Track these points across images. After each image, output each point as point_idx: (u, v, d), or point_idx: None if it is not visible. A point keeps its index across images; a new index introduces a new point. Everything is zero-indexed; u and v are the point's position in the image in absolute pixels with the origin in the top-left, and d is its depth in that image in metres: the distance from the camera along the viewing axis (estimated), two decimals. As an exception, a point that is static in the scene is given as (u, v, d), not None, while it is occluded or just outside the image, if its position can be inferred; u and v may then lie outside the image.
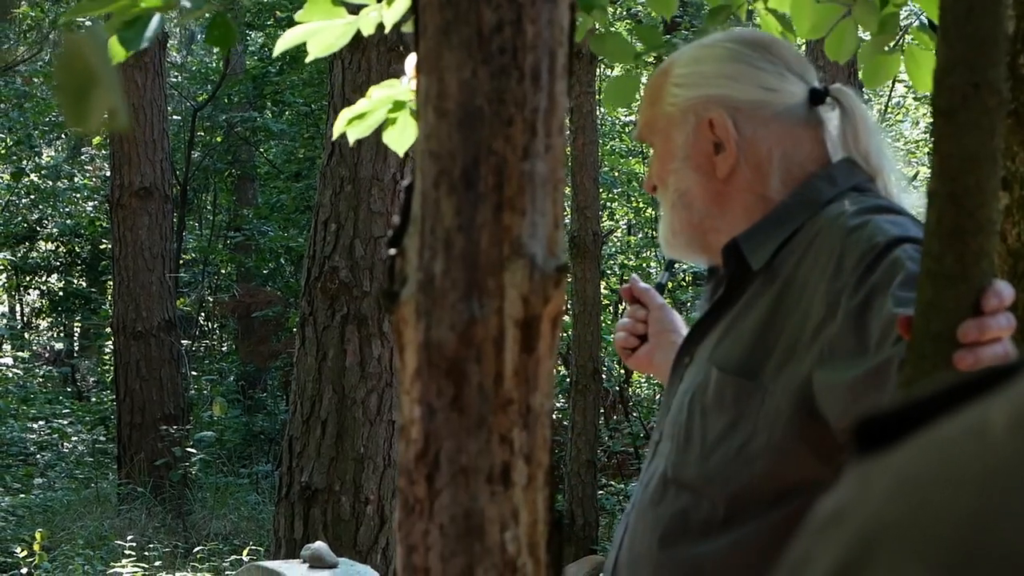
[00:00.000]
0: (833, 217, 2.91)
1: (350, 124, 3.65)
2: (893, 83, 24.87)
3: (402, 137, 3.73)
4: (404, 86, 3.65)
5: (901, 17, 4.19)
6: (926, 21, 4.26)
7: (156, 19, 2.66)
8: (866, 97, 22.37)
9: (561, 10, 2.03)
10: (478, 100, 1.98)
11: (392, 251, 2.05)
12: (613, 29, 4.24)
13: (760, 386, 2.92)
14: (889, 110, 25.67)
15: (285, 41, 3.59)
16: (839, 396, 2.71)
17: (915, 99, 25.66)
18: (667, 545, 3.03)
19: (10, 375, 22.56)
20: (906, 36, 4.28)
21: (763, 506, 2.89)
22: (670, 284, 23.59)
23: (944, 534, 0.68)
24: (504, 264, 1.97)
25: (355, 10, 3.54)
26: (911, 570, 0.68)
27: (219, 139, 24.85)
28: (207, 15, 3.45)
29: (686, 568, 3.00)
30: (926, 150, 25.06)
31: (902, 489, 0.74)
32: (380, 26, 3.71)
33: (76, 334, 29.70)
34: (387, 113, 3.66)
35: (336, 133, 3.74)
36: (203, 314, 27.17)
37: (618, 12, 20.57)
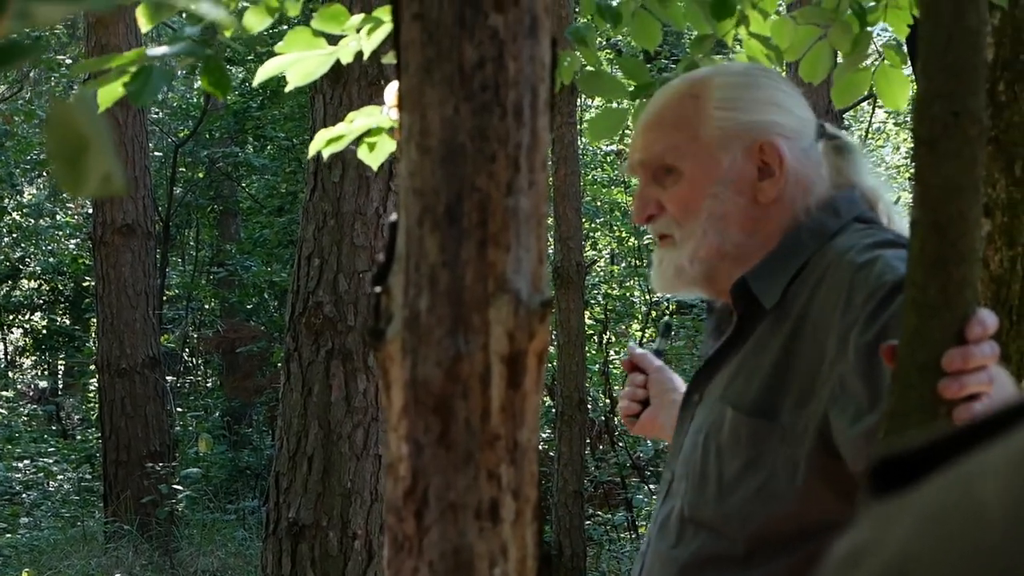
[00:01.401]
0: (842, 252, 2.91)
1: (328, 145, 3.66)
2: (873, 109, 24.89)
3: (378, 155, 3.74)
4: (384, 113, 3.66)
5: (871, 36, 4.26)
6: (895, 41, 4.31)
7: (157, 73, 2.66)
8: (847, 123, 22.42)
9: (542, 47, 2.03)
10: (461, 137, 1.98)
11: (377, 288, 2.05)
12: (603, 67, 4.26)
13: (778, 427, 2.91)
14: (870, 135, 25.68)
15: (265, 71, 3.60)
16: (855, 444, 2.71)
17: (895, 124, 25.70)
18: None
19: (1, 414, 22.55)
20: (877, 57, 4.33)
21: (785, 544, 2.89)
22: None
23: (971, 570, 0.68)
24: (489, 300, 1.98)
25: (334, 41, 3.56)
26: None
27: (201, 175, 24.84)
28: (196, 60, 3.47)
29: None
30: (907, 175, 25.08)
31: (926, 526, 0.73)
32: (359, 58, 3.73)
33: (60, 372, 29.65)
34: (364, 136, 3.67)
35: (312, 152, 3.74)
36: (187, 350, 27.11)
37: (599, 42, 20.57)
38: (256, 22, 3.74)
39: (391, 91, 3.60)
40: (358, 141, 3.74)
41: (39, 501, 21.26)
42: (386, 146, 3.71)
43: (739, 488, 2.96)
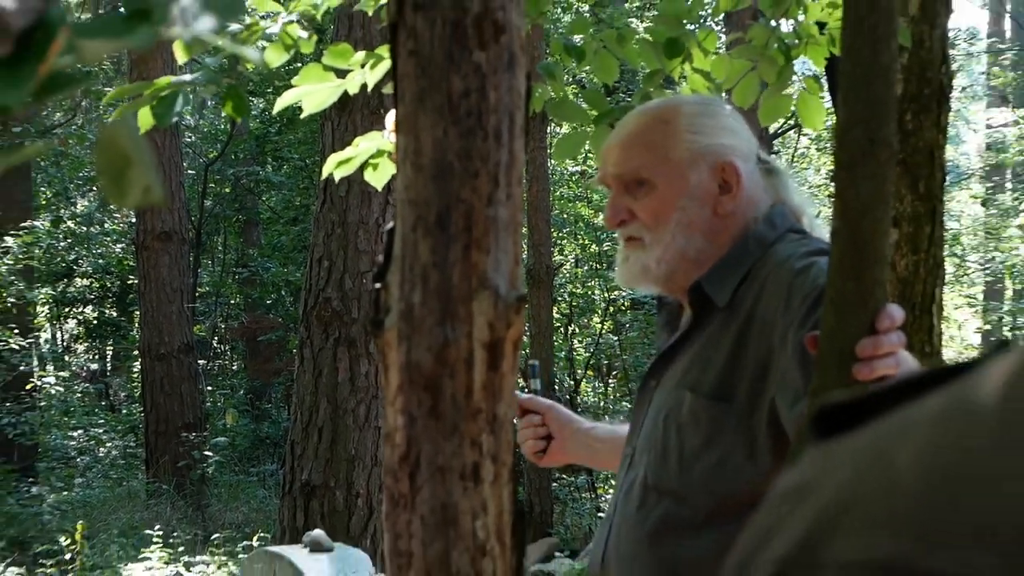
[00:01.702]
0: (782, 259, 2.91)
1: (339, 167, 3.65)
2: (798, 136, 24.97)
3: (381, 176, 3.73)
4: (385, 138, 3.65)
5: (794, 68, 4.30)
6: (813, 73, 4.34)
7: (180, 98, 2.66)
8: (776, 149, 22.45)
9: (519, 79, 2.03)
10: (449, 156, 1.98)
11: (377, 285, 2.05)
12: (569, 97, 4.27)
13: (735, 409, 2.91)
14: (795, 159, 25.73)
15: (284, 100, 3.60)
16: (794, 423, 2.73)
17: (817, 150, 25.76)
18: (655, 543, 3.02)
19: (53, 392, 22.45)
20: (798, 84, 4.37)
21: (739, 511, 2.89)
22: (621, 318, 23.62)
23: (908, 505, 0.68)
24: (473, 295, 1.98)
25: (342, 75, 3.56)
26: (877, 537, 0.68)
27: (227, 190, 24.80)
28: (218, 88, 3.47)
29: (672, 563, 2.99)
30: (827, 193, 25.13)
31: (867, 465, 0.74)
32: (364, 90, 3.73)
33: (108, 356, 29.60)
34: (369, 159, 3.66)
35: (325, 173, 3.73)
36: (216, 338, 27.08)
37: (566, 77, 20.62)
38: (274, 58, 3.74)
39: (391, 118, 3.59)
40: (364, 164, 3.73)
41: (90, 464, 21.22)
42: (388, 168, 3.70)
43: (699, 462, 2.95)
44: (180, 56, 3.41)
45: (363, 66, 3.60)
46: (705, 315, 3.09)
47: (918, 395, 0.77)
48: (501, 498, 2.05)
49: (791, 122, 23.45)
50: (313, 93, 3.52)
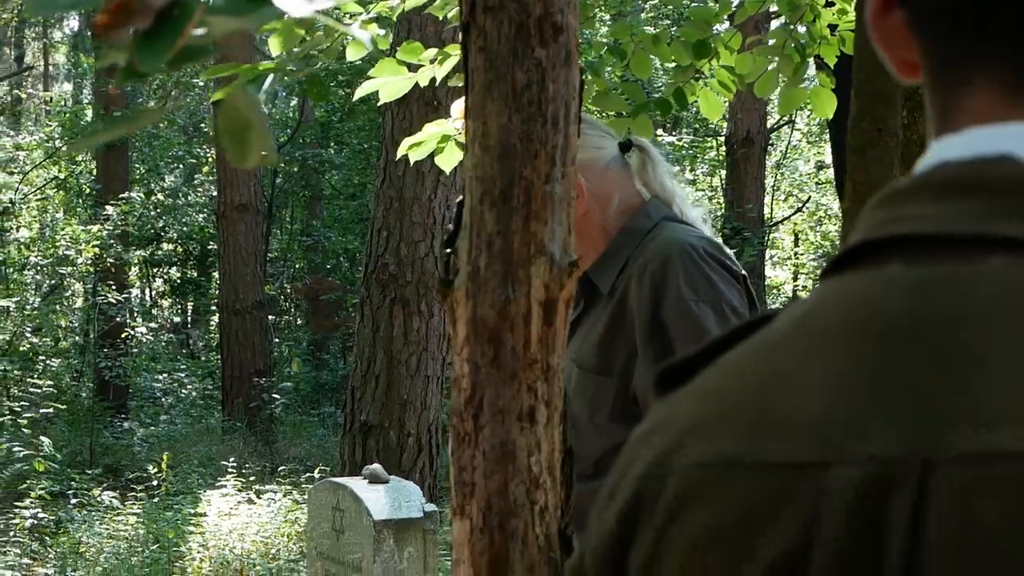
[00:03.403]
0: (653, 251, 2.90)
1: (411, 149, 3.64)
2: (792, 130, 24.88)
3: (449, 160, 3.72)
4: (450, 124, 3.64)
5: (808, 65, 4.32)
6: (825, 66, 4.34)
7: (269, 79, 2.64)
8: (771, 141, 22.39)
9: (574, 73, 2.04)
10: (512, 139, 1.98)
11: (448, 250, 2.06)
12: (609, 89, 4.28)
13: (612, 381, 2.95)
14: (789, 150, 25.66)
15: (363, 89, 3.62)
16: (645, 393, 2.79)
17: (808, 143, 25.67)
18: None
19: (144, 340, 22.59)
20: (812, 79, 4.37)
21: None
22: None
23: (734, 417, 0.78)
24: (531, 260, 1.99)
25: (413, 68, 3.56)
26: (712, 443, 0.78)
27: (295, 169, 24.82)
28: (305, 74, 3.47)
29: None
30: (815, 180, 25.09)
31: (701, 398, 0.83)
32: (431, 81, 3.74)
33: (189, 311, 29.75)
34: (437, 144, 3.65)
35: (399, 155, 3.72)
36: (283, 297, 27.19)
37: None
38: (354, 53, 3.74)
39: (456, 107, 3.58)
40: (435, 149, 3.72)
41: (173, 404, 21.35)
42: (454, 152, 3.69)
43: (586, 427, 3.00)
44: (275, 48, 3.44)
45: (432, 62, 3.60)
46: (593, 301, 3.08)
47: (729, 347, 0.86)
48: (553, 438, 2.06)
49: (786, 118, 23.46)
50: (388, 84, 3.52)
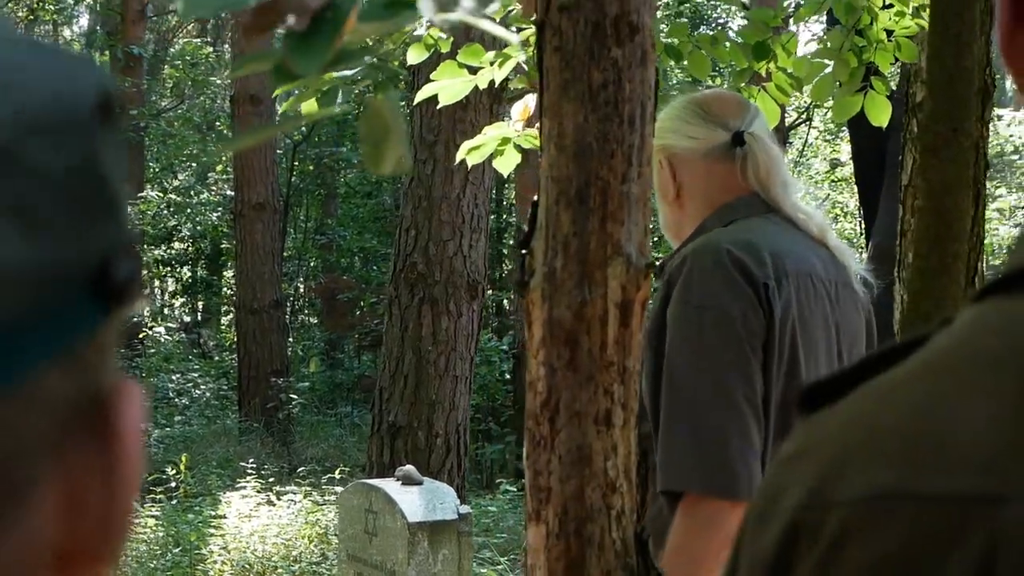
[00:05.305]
0: (686, 259, 2.70)
1: (469, 153, 3.62)
2: (808, 128, 24.87)
3: (507, 162, 3.67)
4: (510, 126, 3.60)
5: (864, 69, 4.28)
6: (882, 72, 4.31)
7: (341, 92, 2.66)
8: (789, 140, 22.41)
9: (650, 72, 2.04)
10: (588, 139, 1.98)
11: (523, 251, 2.05)
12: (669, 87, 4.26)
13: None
14: (806, 147, 25.66)
15: (424, 92, 3.59)
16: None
17: (824, 141, 25.65)
18: None
19: (162, 340, 22.63)
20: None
21: None
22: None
23: (898, 447, 0.75)
24: (607, 261, 1.99)
25: (472, 71, 3.53)
26: (875, 473, 0.74)
27: (311, 168, 24.86)
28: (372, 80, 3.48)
29: None
30: (830, 178, 25.07)
31: (857, 423, 0.79)
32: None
33: (200, 310, 29.78)
34: (496, 146, 3.60)
35: (459, 158, 3.68)
36: (296, 296, 27.21)
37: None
38: (415, 56, 3.73)
39: (516, 108, 3.56)
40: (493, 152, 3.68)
41: (188, 404, 21.35)
42: (512, 155, 3.64)
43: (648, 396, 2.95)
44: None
45: (491, 64, 3.57)
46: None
47: (881, 368, 0.82)
48: (629, 440, 2.06)
49: (804, 116, 23.45)
50: (449, 87, 3.50)
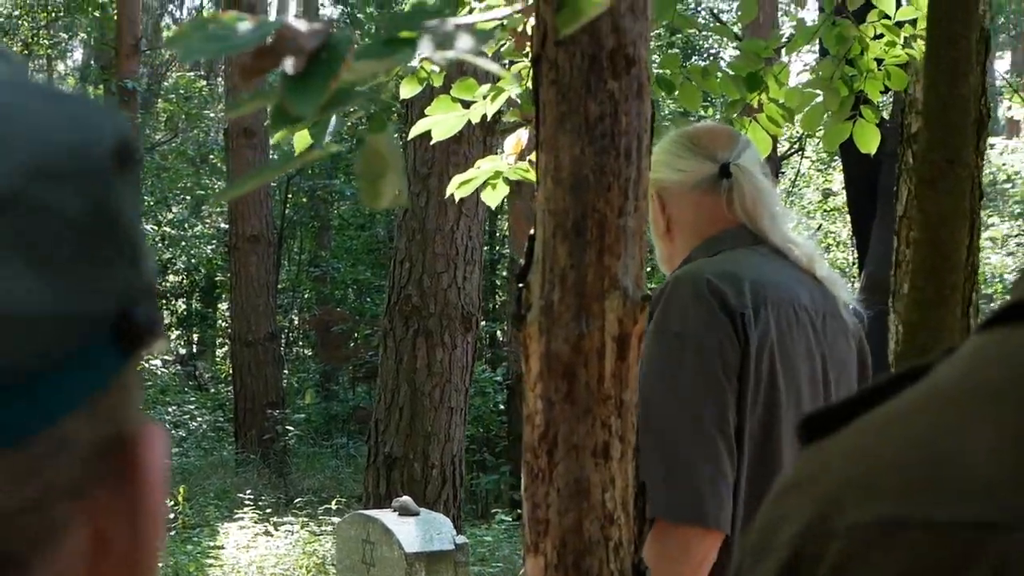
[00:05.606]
0: (667, 286, 2.76)
1: (459, 187, 3.61)
2: (801, 158, 24.92)
3: (495, 196, 3.66)
4: (503, 159, 3.59)
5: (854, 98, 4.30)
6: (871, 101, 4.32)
7: (333, 120, 2.65)
8: (781, 170, 22.44)
9: (646, 105, 2.04)
10: (585, 171, 1.99)
11: (520, 285, 2.05)
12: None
13: None
14: (798, 177, 25.72)
15: (418, 128, 3.57)
16: None
17: (816, 171, 25.72)
18: None
19: (159, 373, 22.67)
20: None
21: None
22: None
23: (901, 476, 0.74)
24: (605, 294, 1.99)
25: (466, 105, 3.52)
26: (878, 503, 0.74)
27: (305, 200, 24.89)
28: (366, 111, 3.48)
29: None
30: (822, 208, 25.12)
31: (855, 453, 0.78)
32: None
33: (195, 342, 29.79)
34: (488, 180, 3.59)
35: (447, 194, 3.68)
36: (290, 329, 27.22)
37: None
38: (408, 90, 3.74)
39: (510, 142, 3.55)
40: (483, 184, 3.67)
41: (185, 436, 21.34)
42: (502, 189, 3.62)
43: None
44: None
45: (484, 97, 3.57)
46: None
47: (881, 399, 0.82)
48: (627, 473, 2.05)
49: (796, 146, 23.49)
50: (442, 122, 3.50)
